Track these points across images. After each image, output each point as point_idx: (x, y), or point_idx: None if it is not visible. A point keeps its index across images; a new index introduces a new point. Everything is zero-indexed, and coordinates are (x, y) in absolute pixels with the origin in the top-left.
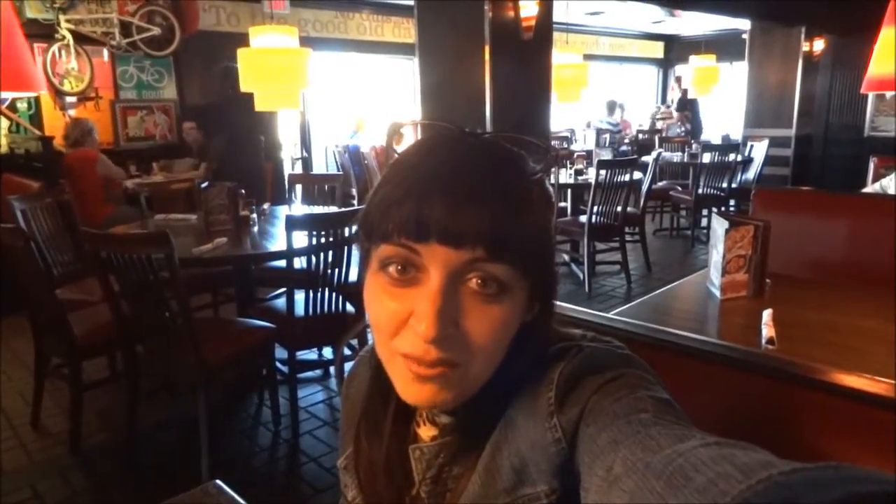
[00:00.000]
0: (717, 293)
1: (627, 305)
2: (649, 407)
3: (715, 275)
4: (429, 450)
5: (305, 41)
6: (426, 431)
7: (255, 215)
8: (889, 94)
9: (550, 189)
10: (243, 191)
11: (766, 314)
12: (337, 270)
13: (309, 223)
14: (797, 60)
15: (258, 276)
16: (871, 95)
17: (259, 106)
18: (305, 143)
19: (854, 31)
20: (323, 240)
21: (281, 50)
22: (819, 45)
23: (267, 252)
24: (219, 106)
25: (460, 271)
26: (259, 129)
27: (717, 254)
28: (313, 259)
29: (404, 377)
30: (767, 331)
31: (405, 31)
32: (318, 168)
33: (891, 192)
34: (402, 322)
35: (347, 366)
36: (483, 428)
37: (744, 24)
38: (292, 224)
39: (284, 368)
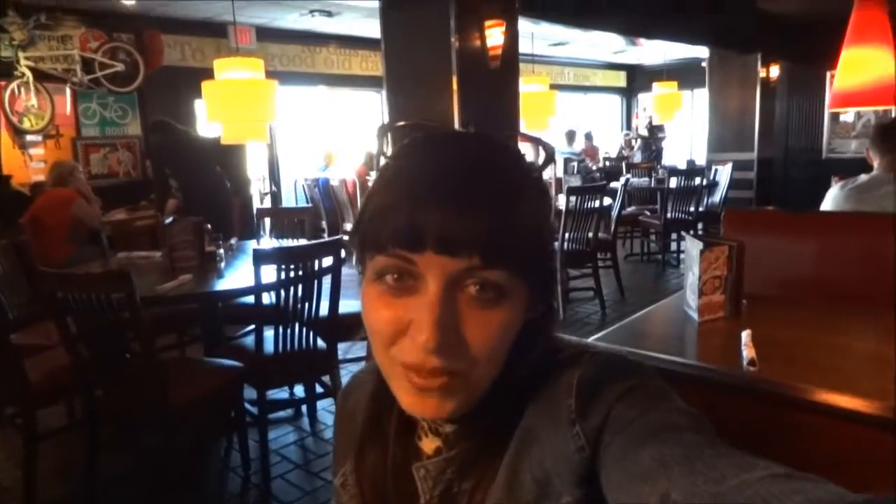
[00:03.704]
0: (695, 315)
1: (604, 332)
2: (686, 423)
3: (691, 297)
4: (434, 466)
5: (273, 75)
6: (429, 444)
7: (221, 251)
8: (844, 117)
9: (546, 184)
10: (209, 226)
11: (745, 335)
12: (307, 304)
13: (277, 257)
14: (755, 86)
15: (226, 314)
16: (826, 119)
17: (225, 138)
18: (274, 177)
19: (806, 59)
20: (292, 273)
21: (246, 81)
22: (775, 71)
23: (233, 288)
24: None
25: (457, 279)
26: (220, 163)
27: (692, 276)
28: (282, 294)
29: (406, 388)
30: (748, 352)
31: (373, 63)
32: (288, 202)
33: (826, 204)
34: (401, 331)
35: (320, 404)
36: (492, 437)
37: (703, 52)
38: (260, 258)
39: (254, 409)
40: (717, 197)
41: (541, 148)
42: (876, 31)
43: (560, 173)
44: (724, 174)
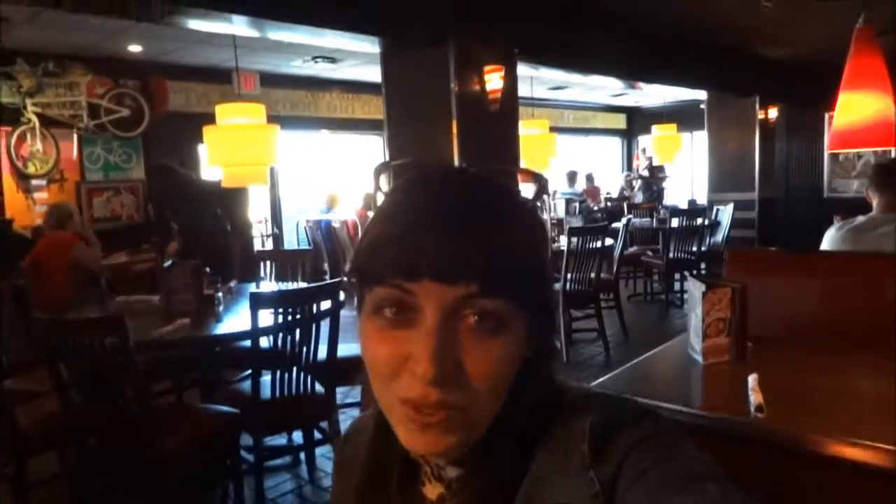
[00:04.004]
0: (699, 358)
1: (608, 376)
2: (705, 472)
3: (695, 340)
4: None
5: (277, 120)
6: (432, 490)
7: (220, 294)
8: (843, 156)
9: (543, 219)
10: (208, 269)
11: (752, 379)
12: (305, 348)
13: (275, 300)
14: (754, 128)
15: (225, 358)
16: (826, 159)
17: (226, 182)
18: (276, 220)
19: (804, 101)
20: (290, 317)
21: (247, 126)
22: (773, 113)
23: (230, 332)
24: (173, 189)
25: (456, 308)
26: (221, 206)
27: (695, 318)
28: (280, 338)
29: (405, 425)
30: (755, 397)
31: (374, 107)
32: (290, 244)
33: (824, 244)
34: (400, 365)
35: (318, 450)
36: (498, 482)
37: (701, 95)
38: (257, 302)
39: (250, 457)
40: (719, 237)
41: (533, 179)
42: (873, 77)
43: (562, 214)
44: (725, 214)
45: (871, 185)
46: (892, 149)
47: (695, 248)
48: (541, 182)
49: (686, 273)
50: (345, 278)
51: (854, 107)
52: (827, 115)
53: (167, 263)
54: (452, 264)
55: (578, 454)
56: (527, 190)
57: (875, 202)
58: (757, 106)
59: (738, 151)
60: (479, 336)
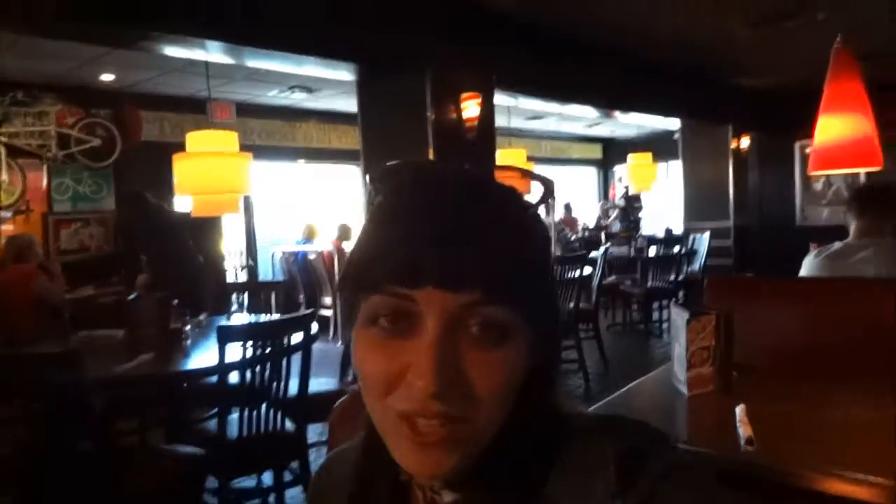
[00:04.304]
0: (684, 389)
1: (590, 409)
2: None
3: (679, 370)
4: None
5: (253, 150)
6: None
7: (188, 328)
8: (815, 186)
9: (546, 225)
10: (176, 302)
11: (740, 411)
12: (275, 384)
13: (243, 333)
14: (728, 156)
15: (193, 395)
16: (798, 188)
17: (196, 211)
18: (251, 251)
19: (775, 130)
20: (259, 351)
21: (218, 153)
22: (746, 142)
23: (196, 368)
24: (142, 219)
25: (459, 317)
26: (193, 237)
27: (679, 347)
28: (249, 373)
29: (404, 442)
30: (744, 430)
31: (352, 137)
32: (266, 276)
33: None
34: (398, 378)
35: (289, 493)
36: None
37: (675, 124)
38: (225, 335)
39: (215, 501)
40: (696, 265)
41: (539, 183)
42: (851, 98)
43: None
44: (702, 242)
45: (848, 210)
46: (863, 172)
47: (672, 277)
48: (547, 185)
49: (664, 302)
50: (323, 311)
51: (834, 128)
52: (798, 144)
53: (132, 296)
54: (456, 270)
55: (602, 481)
56: (532, 194)
57: (852, 227)
58: (730, 135)
59: (713, 180)
60: (483, 346)
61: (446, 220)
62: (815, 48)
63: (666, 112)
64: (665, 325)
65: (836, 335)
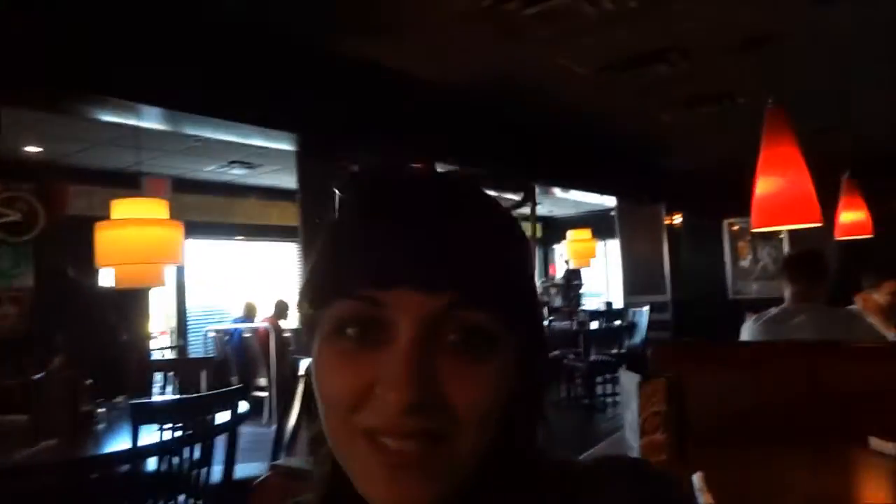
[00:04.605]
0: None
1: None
2: None
3: (631, 437)
4: None
5: (188, 225)
6: None
7: (102, 410)
8: (742, 263)
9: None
10: (91, 381)
11: (698, 479)
12: (197, 471)
13: (160, 412)
14: (662, 234)
15: (103, 486)
16: (728, 264)
17: (119, 284)
18: (182, 330)
19: (705, 209)
20: (179, 433)
21: (145, 221)
22: (678, 219)
23: (104, 453)
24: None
25: (436, 322)
26: (117, 315)
27: (630, 413)
28: (167, 458)
29: (374, 468)
30: (705, 498)
31: (293, 214)
32: (197, 356)
33: (743, 336)
34: (365, 393)
35: None
36: None
37: (612, 201)
38: (139, 414)
39: None
40: (637, 338)
41: (517, 187)
42: (787, 158)
43: None
44: (642, 316)
45: (782, 276)
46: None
47: (615, 350)
48: (526, 188)
49: (608, 376)
50: (259, 393)
51: (773, 185)
52: (726, 223)
53: (37, 376)
54: (432, 269)
55: None
56: (509, 200)
57: (787, 293)
58: (663, 213)
59: (649, 256)
60: (464, 357)
61: (420, 217)
62: (736, 131)
63: (601, 190)
64: (609, 400)
65: (781, 397)
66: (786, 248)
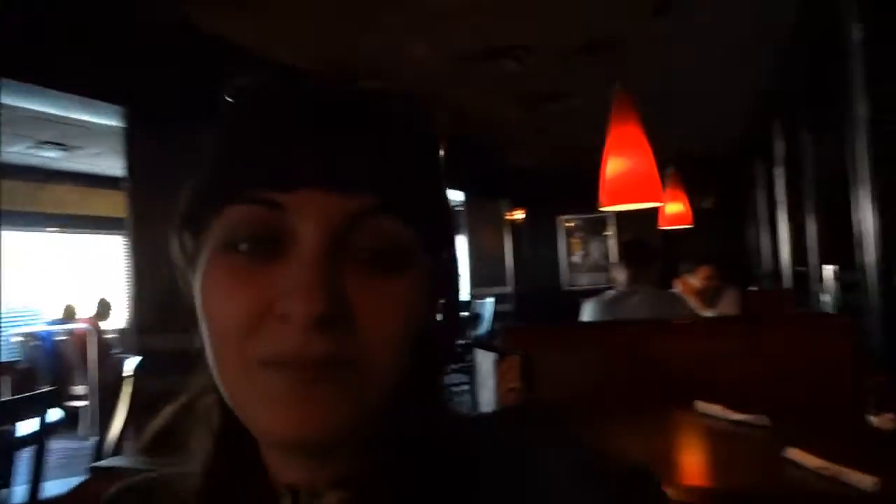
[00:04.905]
0: None
1: None
2: None
3: None
4: None
5: None
6: None
7: None
8: (574, 258)
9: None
10: None
11: None
12: None
13: None
14: (505, 228)
15: None
16: (562, 258)
17: None
18: None
19: (542, 205)
20: None
21: None
22: (520, 215)
23: None
24: None
25: (344, 229)
26: None
27: (487, 391)
28: None
29: (273, 399)
30: None
31: (116, 203)
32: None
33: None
34: (262, 316)
35: None
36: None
37: (459, 196)
38: None
39: None
40: (482, 329)
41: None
42: (633, 140)
43: None
44: (486, 308)
45: (619, 262)
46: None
47: (460, 341)
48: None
49: (453, 366)
50: (76, 403)
51: (619, 165)
52: (560, 219)
53: None
54: (344, 167)
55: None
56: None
57: (622, 277)
58: (505, 209)
59: (493, 250)
60: (375, 271)
61: (332, 113)
62: (574, 132)
63: (449, 185)
64: (456, 389)
65: (620, 371)
66: (612, 244)
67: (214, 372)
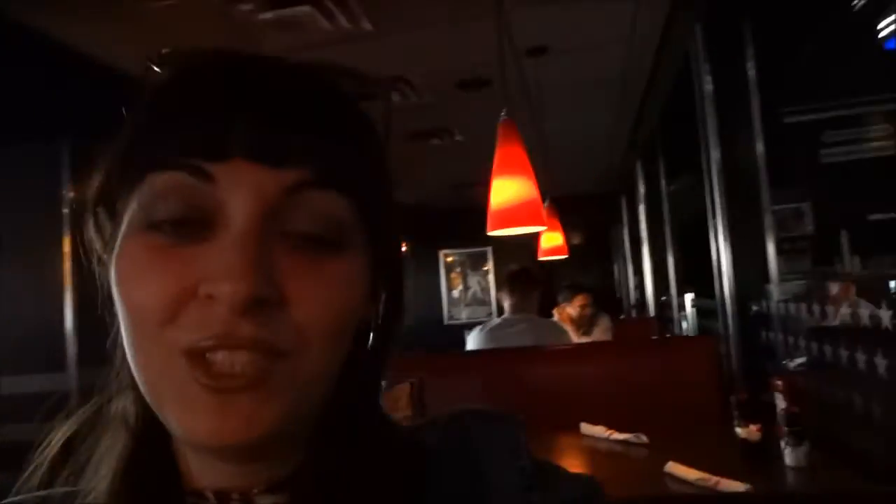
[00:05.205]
0: None
1: None
2: None
3: None
4: None
5: None
6: None
7: None
8: (454, 293)
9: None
10: None
11: None
12: None
13: None
14: None
15: None
16: (444, 293)
17: None
18: None
19: (426, 240)
20: None
21: None
22: (404, 249)
23: None
24: None
25: (279, 206)
26: None
27: None
28: None
29: (193, 395)
30: None
31: None
32: None
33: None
34: (184, 299)
35: None
36: None
37: None
38: None
39: None
40: None
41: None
42: (516, 164)
43: None
44: None
45: (503, 290)
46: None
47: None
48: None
49: None
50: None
51: (506, 191)
52: (441, 253)
53: None
54: (278, 136)
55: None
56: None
57: (507, 305)
58: None
59: None
60: (312, 254)
61: (265, 78)
62: (454, 168)
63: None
64: None
65: (506, 396)
66: (491, 278)
67: (132, 365)
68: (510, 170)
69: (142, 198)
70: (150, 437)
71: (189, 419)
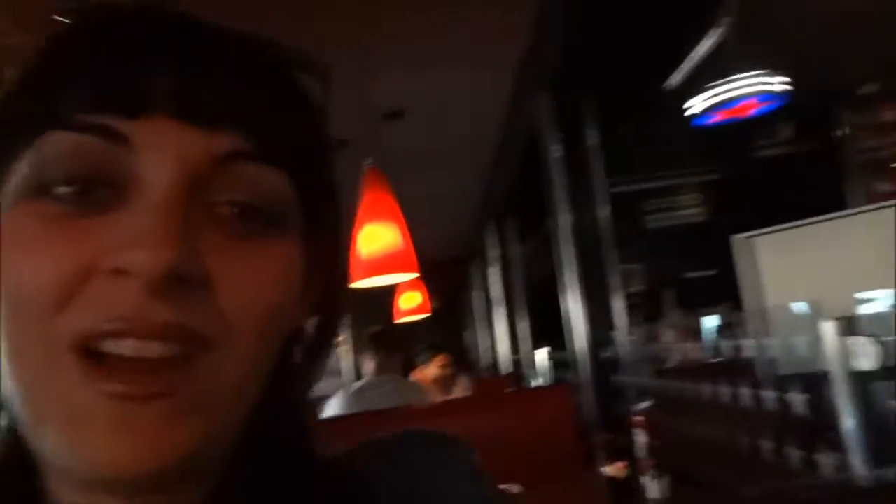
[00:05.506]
0: None
1: None
2: None
3: None
4: None
5: None
6: None
7: None
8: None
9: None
10: None
11: None
12: None
13: None
14: None
15: None
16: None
17: None
18: None
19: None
20: None
21: None
22: None
23: None
24: None
25: (206, 177)
26: None
27: None
28: None
29: (86, 404)
30: None
31: None
32: None
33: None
34: (81, 278)
35: None
36: None
37: None
38: None
39: None
40: None
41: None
42: (387, 212)
43: None
44: None
45: (365, 352)
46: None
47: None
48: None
49: None
50: None
51: (373, 238)
52: None
53: None
54: (207, 93)
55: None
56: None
57: (371, 366)
58: None
59: None
60: (242, 232)
61: (194, 28)
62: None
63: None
64: None
65: None
66: (343, 349)
67: (4, 365)
68: (379, 216)
69: (34, 160)
70: (12, 469)
71: (75, 437)
